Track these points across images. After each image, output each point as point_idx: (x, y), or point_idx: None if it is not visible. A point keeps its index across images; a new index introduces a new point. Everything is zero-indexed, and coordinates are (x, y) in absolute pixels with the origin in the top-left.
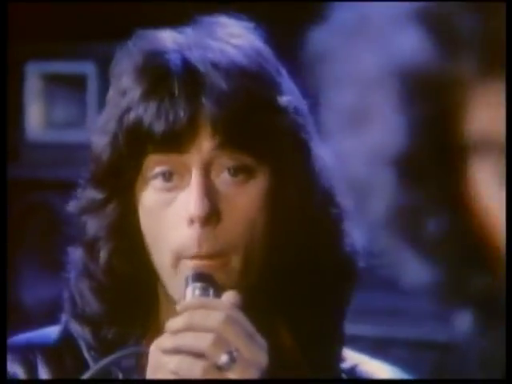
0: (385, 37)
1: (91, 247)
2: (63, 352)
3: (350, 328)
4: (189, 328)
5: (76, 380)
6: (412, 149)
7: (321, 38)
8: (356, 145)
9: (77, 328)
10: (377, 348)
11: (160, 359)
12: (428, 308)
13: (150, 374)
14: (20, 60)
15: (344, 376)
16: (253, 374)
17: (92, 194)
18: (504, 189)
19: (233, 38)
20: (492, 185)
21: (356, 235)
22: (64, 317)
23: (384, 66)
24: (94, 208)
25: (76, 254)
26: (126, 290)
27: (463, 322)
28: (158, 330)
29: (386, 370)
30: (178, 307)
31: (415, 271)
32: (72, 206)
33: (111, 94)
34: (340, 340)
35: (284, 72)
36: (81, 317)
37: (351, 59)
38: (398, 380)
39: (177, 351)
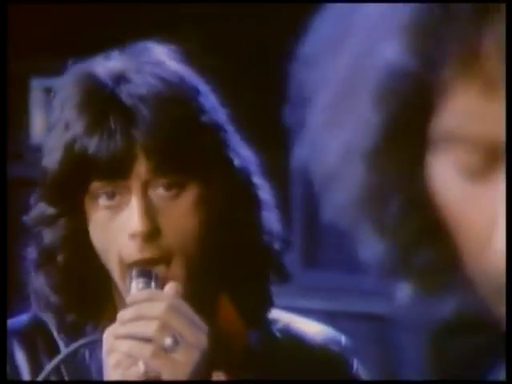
0: (369, 40)
1: (48, 252)
2: (36, 335)
3: (304, 302)
4: (137, 318)
5: (76, 381)
6: (381, 144)
7: (307, 46)
8: (332, 140)
9: (43, 314)
10: (326, 320)
11: (113, 343)
12: (376, 284)
13: (105, 356)
14: (23, 76)
15: (278, 334)
16: (195, 355)
17: (44, 208)
18: (462, 181)
19: (156, 68)
20: (451, 177)
21: (274, 224)
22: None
23: (361, 71)
24: (46, 221)
25: (33, 254)
26: (81, 286)
27: (404, 294)
28: (112, 320)
29: (315, 327)
30: (127, 300)
31: (371, 249)
32: (27, 218)
33: (54, 121)
34: (270, 303)
35: (204, 89)
36: (44, 305)
37: (332, 65)
38: (398, 380)
39: (128, 337)
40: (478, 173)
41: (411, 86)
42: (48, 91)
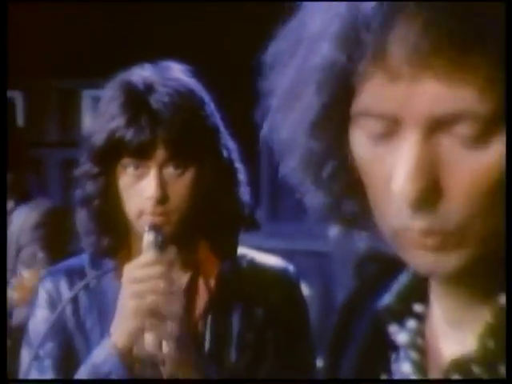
0: (313, 45)
1: (88, 197)
2: (85, 270)
3: (267, 244)
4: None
5: (76, 380)
6: (323, 116)
7: (269, 54)
8: (286, 116)
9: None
10: (283, 257)
11: (133, 281)
12: (318, 226)
13: (125, 287)
14: (76, 89)
15: (245, 265)
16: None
17: (90, 167)
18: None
19: (174, 82)
20: (364, 142)
21: (246, 196)
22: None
23: (310, 63)
24: (90, 176)
25: (79, 198)
26: (110, 221)
27: (334, 234)
28: (127, 253)
29: (273, 259)
30: (144, 246)
31: (312, 199)
32: (76, 171)
33: (102, 112)
34: (237, 245)
35: (207, 98)
36: (84, 232)
37: (290, 62)
38: (399, 380)
39: (144, 278)
40: (382, 137)
41: (339, 76)
42: (94, 99)
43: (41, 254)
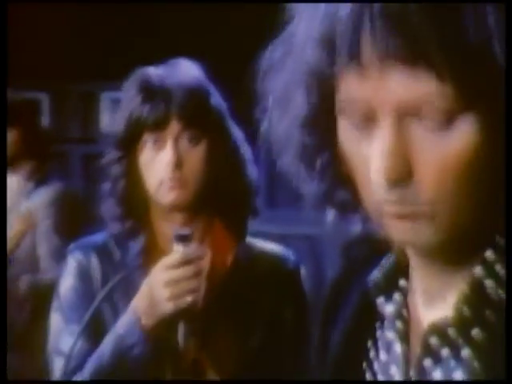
0: (301, 53)
1: (114, 180)
2: (107, 250)
3: (264, 227)
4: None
5: (77, 381)
6: (314, 114)
7: (265, 60)
8: (281, 115)
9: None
10: (280, 240)
11: (166, 281)
12: (312, 213)
13: (159, 289)
14: (96, 91)
15: (254, 251)
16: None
17: (114, 153)
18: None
19: (185, 74)
20: (347, 133)
21: (253, 173)
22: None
23: (299, 69)
24: (114, 161)
25: (107, 183)
26: (134, 201)
27: (328, 219)
28: (150, 224)
29: (274, 246)
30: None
31: (307, 188)
32: (103, 160)
33: (121, 106)
34: (245, 233)
35: (213, 89)
36: (110, 216)
37: (282, 67)
38: (400, 381)
39: (178, 278)
40: (362, 126)
41: (323, 77)
42: (112, 100)
43: (54, 229)
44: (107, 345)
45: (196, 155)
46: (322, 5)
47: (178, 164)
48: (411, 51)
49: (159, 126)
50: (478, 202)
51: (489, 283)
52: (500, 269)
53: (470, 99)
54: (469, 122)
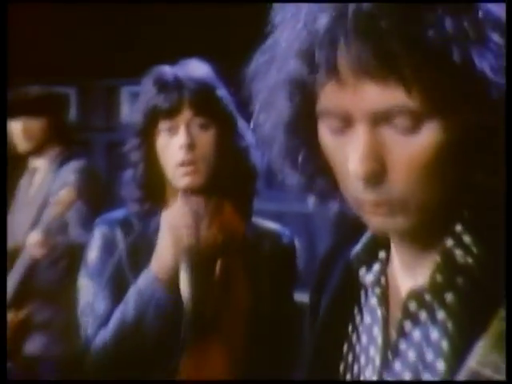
0: (283, 62)
1: (134, 164)
2: (129, 223)
3: (262, 206)
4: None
5: (80, 381)
6: (295, 117)
7: (253, 64)
8: (266, 117)
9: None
10: (276, 217)
11: (173, 222)
12: (299, 197)
13: (167, 231)
14: (117, 86)
15: (259, 228)
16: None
17: (133, 141)
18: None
19: (195, 71)
20: (326, 135)
21: (258, 158)
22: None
23: (281, 77)
24: (134, 148)
25: (126, 172)
26: (152, 184)
27: (311, 203)
28: (166, 201)
29: (274, 224)
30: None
31: (291, 180)
32: (124, 148)
33: (141, 96)
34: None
35: (221, 85)
36: (131, 199)
37: (267, 73)
38: (399, 381)
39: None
40: (340, 131)
41: (304, 85)
42: (131, 94)
43: (76, 204)
44: (129, 300)
45: (206, 139)
46: (302, 14)
47: (191, 146)
48: (381, 65)
49: (172, 113)
50: (444, 189)
51: (458, 253)
52: (468, 239)
53: (434, 107)
54: (433, 125)
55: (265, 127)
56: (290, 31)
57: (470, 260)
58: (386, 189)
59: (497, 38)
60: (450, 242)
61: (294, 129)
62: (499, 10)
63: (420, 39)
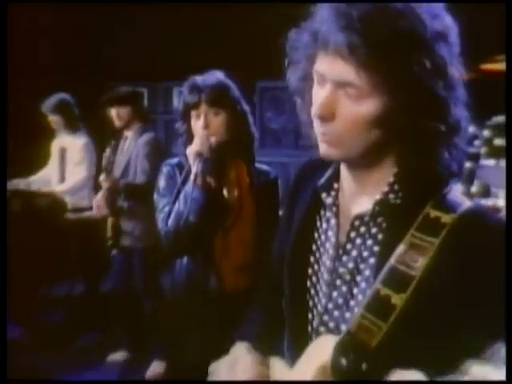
0: (299, 64)
1: (181, 136)
2: (183, 164)
3: (257, 156)
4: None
5: (82, 381)
6: (305, 72)
7: (290, 41)
8: (291, 72)
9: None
10: (266, 164)
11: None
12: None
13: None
14: (169, 86)
15: (261, 176)
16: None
17: (179, 122)
18: None
19: (209, 77)
20: (314, 88)
21: (254, 129)
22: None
23: (298, 76)
24: (180, 125)
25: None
26: (190, 144)
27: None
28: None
29: (266, 166)
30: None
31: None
32: (176, 125)
33: (182, 95)
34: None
35: (235, 87)
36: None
37: (296, 69)
38: (399, 381)
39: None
40: (319, 83)
41: (310, 54)
42: (179, 92)
43: (146, 156)
44: (180, 202)
45: (218, 121)
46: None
47: (206, 125)
48: (349, 52)
49: (196, 106)
50: (370, 139)
51: (391, 196)
52: (397, 187)
53: (374, 88)
54: (373, 100)
55: (291, 79)
56: (309, 24)
57: (398, 201)
58: (331, 126)
59: (438, 45)
60: (385, 189)
61: (303, 78)
62: (441, 24)
63: (383, 44)
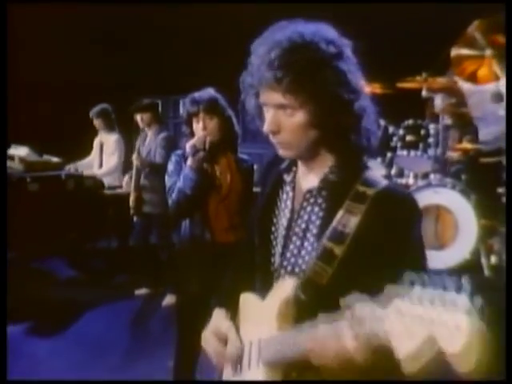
0: (254, 73)
1: (185, 136)
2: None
3: (240, 149)
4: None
5: (80, 381)
6: (256, 101)
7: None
8: (249, 100)
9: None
10: (246, 154)
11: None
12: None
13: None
14: (177, 97)
15: (243, 163)
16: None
17: (184, 126)
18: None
19: (204, 93)
20: (264, 112)
21: (239, 129)
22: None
23: (253, 81)
24: (184, 128)
25: (183, 140)
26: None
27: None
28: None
29: (245, 156)
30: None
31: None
32: (182, 128)
33: (184, 105)
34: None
35: (221, 98)
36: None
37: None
38: (398, 381)
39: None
40: (264, 108)
41: (256, 86)
42: (184, 103)
43: (162, 147)
44: (181, 180)
45: (212, 124)
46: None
47: (204, 128)
48: (277, 84)
49: (195, 114)
50: (309, 140)
51: (331, 176)
52: (336, 170)
53: (300, 106)
54: (302, 112)
55: (248, 108)
56: (256, 58)
57: (336, 179)
58: (280, 137)
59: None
60: (326, 170)
61: (255, 107)
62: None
63: (297, 71)
